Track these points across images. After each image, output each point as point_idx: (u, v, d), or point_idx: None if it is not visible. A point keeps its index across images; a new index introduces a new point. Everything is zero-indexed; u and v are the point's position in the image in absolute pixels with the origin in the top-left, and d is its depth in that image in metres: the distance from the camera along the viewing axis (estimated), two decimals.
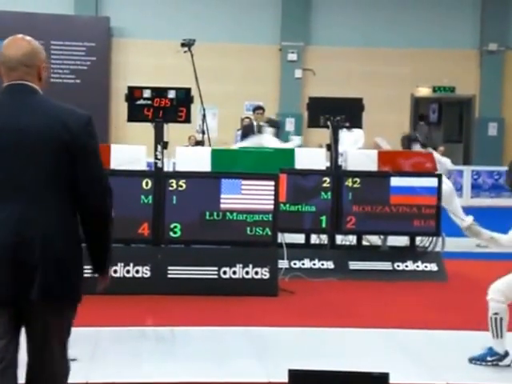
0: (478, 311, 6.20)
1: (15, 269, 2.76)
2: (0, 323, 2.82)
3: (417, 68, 17.08)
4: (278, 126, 11.70)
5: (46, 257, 2.78)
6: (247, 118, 13.84)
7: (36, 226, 2.78)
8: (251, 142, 9.93)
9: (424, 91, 17.81)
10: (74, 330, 5.30)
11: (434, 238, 8.19)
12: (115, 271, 6.52)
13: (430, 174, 7.85)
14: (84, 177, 2.83)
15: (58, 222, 2.82)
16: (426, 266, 7.69)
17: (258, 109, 12.08)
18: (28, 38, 2.93)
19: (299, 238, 8.01)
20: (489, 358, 4.78)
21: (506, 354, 4.78)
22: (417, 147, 9.58)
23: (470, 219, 4.75)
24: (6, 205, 2.77)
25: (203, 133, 11.34)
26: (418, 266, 7.70)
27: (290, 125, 16.49)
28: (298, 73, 17.10)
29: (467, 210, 8.57)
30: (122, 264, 6.55)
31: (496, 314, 4.70)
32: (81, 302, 2.97)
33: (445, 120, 19.09)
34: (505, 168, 16.09)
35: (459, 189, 14.88)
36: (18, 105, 2.84)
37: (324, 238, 8.18)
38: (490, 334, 4.76)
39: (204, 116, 11.00)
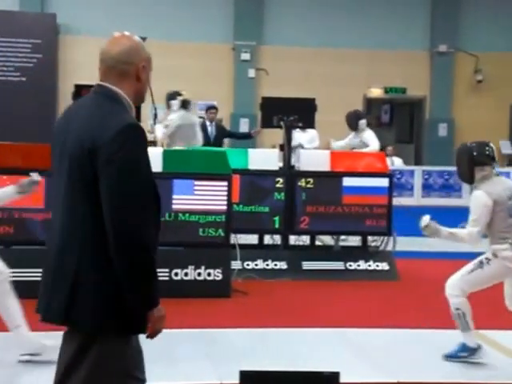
0: (429, 310, 6.27)
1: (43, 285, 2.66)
2: None
3: (369, 69, 17.23)
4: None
5: (65, 280, 2.53)
6: (201, 117, 13.74)
7: (61, 242, 2.54)
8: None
9: (376, 92, 17.99)
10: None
11: (386, 238, 8.25)
12: None
13: (381, 174, 7.89)
14: (105, 193, 2.41)
15: (79, 236, 2.48)
16: (377, 266, 7.73)
17: (210, 108, 12.02)
18: (128, 34, 2.67)
19: (252, 239, 7.98)
20: (461, 354, 4.81)
21: (479, 347, 4.80)
22: (363, 124, 9.45)
23: (427, 218, 4.75)
24: (56, 216, 2.59)
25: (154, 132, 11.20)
26: (369, 266, 7.74)
27: (244, 125, 16.45)
28: (252, 72, 17.07)
29: (418, 210, 8.65)
30: None
31: (458, 309, 4.73)
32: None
33: (396, 121, 19.32)
34: (455, 168, 16.27)
35: (410, 189, 15.08)
36: (80, 109, 2.60)
37: (277, 239, 8.16)
38: (458, 329, 4.78)
39: (155, 115, 10.86)
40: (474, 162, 4.71)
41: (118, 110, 2.52)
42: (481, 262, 4.73)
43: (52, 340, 4.61)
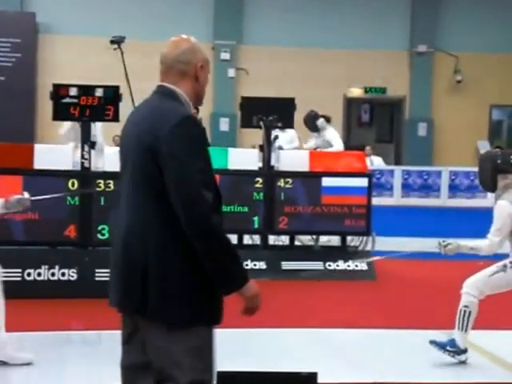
0: (406, 310, 6.29)
1: (116, 276, 2.70)
2: (123, 329, 2.73)
3: (349, 69, 17.27)
4: None
5: (142, 269, 2.57)
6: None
7: (135, 235, 2.59)
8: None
9: (356, 92, 18.04)
10: None
11: (365, 238, 8.26)
12: (39, 274, 6.32)
13: (360, 174, 7.91)
14: (169, 184, 2.52)
15: (154, 232, 2.56)
16: (356, 266, 7.74)
17: None
18: (186, 37, 2.80)
19: (232, 239, 7.93)
20: (448, 348, 4.81)
21: (465, 351, 4.81)
22: (322, 123, 9.54)
23: (442, 241, 4.78)
24: (122, 208, 2.67)
25: None
26: (348, 266, 7.75)
27: (224, 124, 16.42)
28: (232, 72, 17.04)
29: (397, 209, 8.68)
30: (47, 266, 6.34)
31: (466, 306, 4.74)
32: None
33: (376, 120, 19.40)
34: (434, 168, 16.52)
35: (390, 188, 15.14)
36: (145, 109, 2.71)
37: (256, 239, 8.14)
38: (456, 326, 4.77)
39: None
40: (498, 169, 4.73)
41: (175, 105, 2.63)
42: (504, 266, 4.73)
43: (27, 354, 4.58)
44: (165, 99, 2.65)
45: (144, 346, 2.65)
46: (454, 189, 15.34)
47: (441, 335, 5.11)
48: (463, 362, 4.82)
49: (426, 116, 18.11)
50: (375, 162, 15.01)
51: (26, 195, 4.49)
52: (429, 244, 5.47)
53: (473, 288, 4.76)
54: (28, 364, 4.54)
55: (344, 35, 17.29)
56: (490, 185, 4.81)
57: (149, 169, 2.55)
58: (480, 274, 4.81)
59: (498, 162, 4.74)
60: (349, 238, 8.15)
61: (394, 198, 14.68)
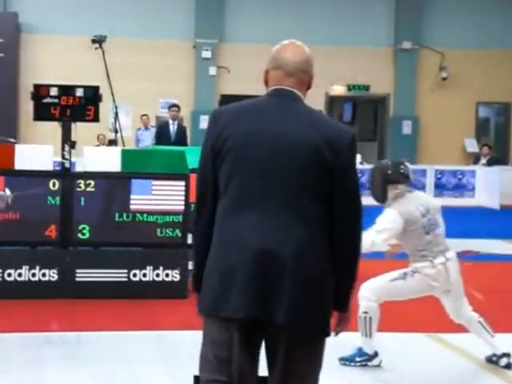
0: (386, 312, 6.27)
1: (260, 284, 2.51)
2: (235, 339, 2.55)
3: (331, 66, 17.26)
4: None
5: (298, 277, 2.50)
6: (145, 115, 13.69)
7: (288, 241, 2.52)
8: None
9: (339, 90, 18.00)
10: None
11: None
12: (20, 274, 6.31)
13: None
14: (339, 192, 2.58)
15: (312, 239, 2.55)
16: None
17: (173, 106, 11.97)
18: (299, 43, 2.78)
19: None
20: (357, 359, 4.70)
21: (375, 355, 4.71)
22: None
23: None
24: (254, 213, 2.54)
25: (116, 131, 11.15)
26: None
27: (204, 123, 16.42)
28: (213, 70, 17.02)
29: (380, 209, 8.66)
30: (28, 267, 6.32)
31: (366, 312, 4.61)
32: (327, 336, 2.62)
33: (359, 118, 19.36)
34: (420, 166, 16.49)
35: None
36: (282, 111, 2.63)
37: None
38: (359, 332, 4.64)
39: (116, 114, 10.80)
40: (388, 180, 4.65)
41: (327, 117, 2.78)
42: (405, 274, 4.64)
43: None
44: (311, 108, 2.68)
45: (275, 357, 2.58)
46: (440, 187, 15.37)
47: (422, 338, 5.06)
48: (378, 366, 4.70)
49: (411, 114, 18.10)
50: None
51: (8, 192, 4.47)
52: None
53: (371, 292, 4.61)
54: None
55: (326, 32, 17.21)
56: (380, 195, 4.70)
57: (319, 178, 2.56)
58: (380, 279, 4.68)
59: (388, 172, 4.67)
60: None
61: None
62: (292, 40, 2.78)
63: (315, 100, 16.92)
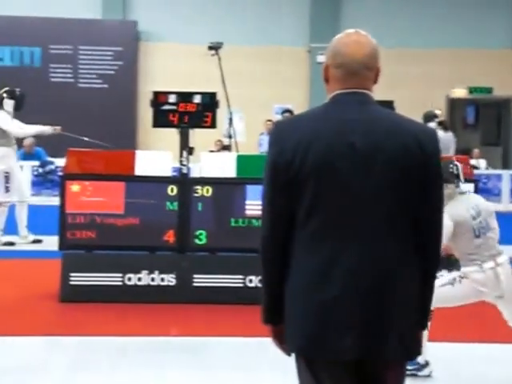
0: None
1: (365, 317, 2.26)
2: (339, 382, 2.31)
3: (452, 68, 16.74)
4: None
5: (400, 307, 2.29)
6: (269, 120, 13.71)
7: (388, 268, 2.27)
8: None
9: (460, 92, 17.46)
10: (98, 339, 5.28)
11: None
12: (139, 279, 6.44)
13: (465, 179, 7.58)
14: (429, 208, 2.32)
15: (409, 263, 2.31)
16: None
17: (286, 112, 11.95)
18: (364, 32, 2.40)
19: None
20: (408, 367, 4.54)
21: (426, 364, 4.55)
22: (431, 126, 9.53)
23: None
24: (348, 239, 2.26)
25: (230, 137, 11.24)
26: None
27: None
28: None
29: (506, 216, 8.30)
30: (147, 271, 6.45)
31: None
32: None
33: (482, 122, 18.62)
34: None
35: (498, 194, 14.43)
36: (355, 119, 2.29)
37: None
38: None
39: (231, 120, 10.89)
40: None
41: (402, 115, 2.42)
42: (454, 279, 4.46)
43: None
44: (385, 108, 2.38)
45: None
46: None
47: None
48: (429, 376, 4.56)
49: None
50: (482, 166, 14.46)
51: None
52: None
53: None
54: None
55: (447, 34, 16.79)
56: None
57: (412, 190, 2.29)
58: None
59: None
60: None
61: (502, 204, 13.97)
62: (355, 30, 2.40)
63: (436, 103, 16.49)
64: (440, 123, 10.12)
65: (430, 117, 9.96)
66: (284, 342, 2.39)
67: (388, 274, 2.27)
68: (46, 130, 9.29)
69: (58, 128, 9.30)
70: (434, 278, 2.43)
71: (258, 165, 6.98)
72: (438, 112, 10.27)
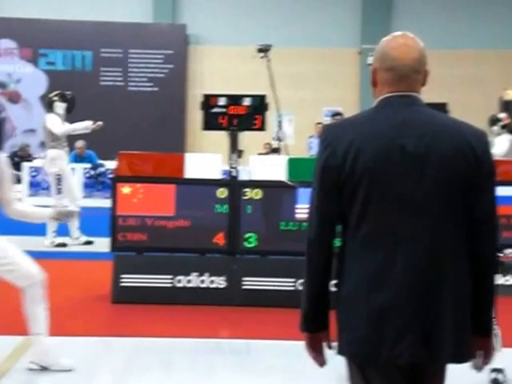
0: None
1: (420, 322, 2.23)
2: None
3: (505, 70, 16.42)
4: None
5: (457, 309, 2.26)
6: (319, 123, 13.63)
7: (442, 271, 2.25)
8: None
9: None
10: (148, 340, 5.31)
11: None
12: (189, 281, 6.47)
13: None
14: (482, 209, 2.28)
15: (461, 266, 2.29)
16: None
17: (336, 115, 11.85)
18: (411, 35, 2.37)
19: None
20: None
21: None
22: (494, 129, 9.72)
23: None
24: (402, 244, 2.23)
25: (279, 140, 11.21)
26: (507, 280, 7.30)
27: None
28: None
29: None
30: (197, 274, 6.47)
31: None
32: None
33: None
34: None
35: None
36: (406, 122, 2.27)
37: None
38: None
39: (280, 123, 10.86)
40: None
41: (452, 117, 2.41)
42: None
43: (69, 359, 4.62)
44: (435, 111, 2.33)
45: None
46: None
47: None
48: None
49: None
50: None
51: (73, 208, 4.49)
52: None
53: None
54: (68, 371, 4.53)
55: (497, 35, 16.49)
56: None
57: (465, 195, 2.26)
58: None
59: None
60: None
61: None
62: (402, 33, 2.37)
63: (489, 105, 16.19)
64: (504, 126, 10.10)
65: (493, 121, 10.11)
66: (318, 352, 2.40)
67: (444, 275, 2.25)
68: (85, 125, 9.37)
69: (100, 123, 9.40)
70: (491, 280, 2.35)
71: (309, 168, 6.95)
72: (501, 116, 10.27)
